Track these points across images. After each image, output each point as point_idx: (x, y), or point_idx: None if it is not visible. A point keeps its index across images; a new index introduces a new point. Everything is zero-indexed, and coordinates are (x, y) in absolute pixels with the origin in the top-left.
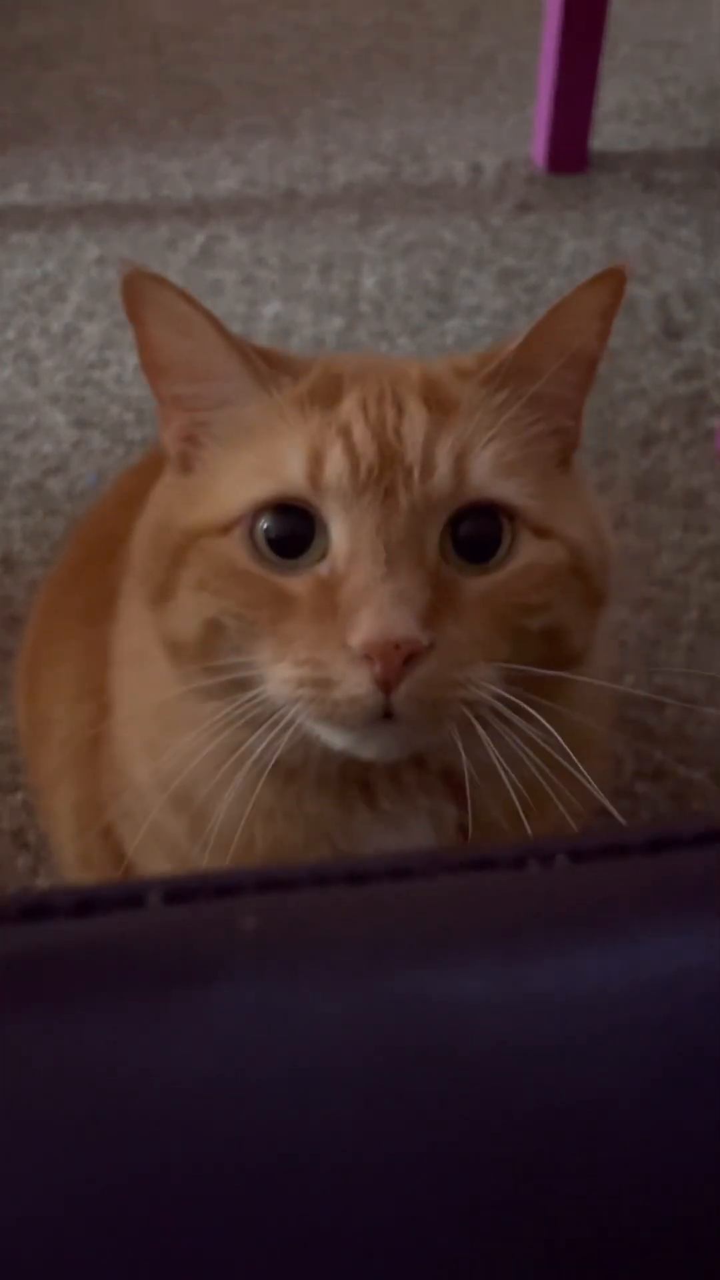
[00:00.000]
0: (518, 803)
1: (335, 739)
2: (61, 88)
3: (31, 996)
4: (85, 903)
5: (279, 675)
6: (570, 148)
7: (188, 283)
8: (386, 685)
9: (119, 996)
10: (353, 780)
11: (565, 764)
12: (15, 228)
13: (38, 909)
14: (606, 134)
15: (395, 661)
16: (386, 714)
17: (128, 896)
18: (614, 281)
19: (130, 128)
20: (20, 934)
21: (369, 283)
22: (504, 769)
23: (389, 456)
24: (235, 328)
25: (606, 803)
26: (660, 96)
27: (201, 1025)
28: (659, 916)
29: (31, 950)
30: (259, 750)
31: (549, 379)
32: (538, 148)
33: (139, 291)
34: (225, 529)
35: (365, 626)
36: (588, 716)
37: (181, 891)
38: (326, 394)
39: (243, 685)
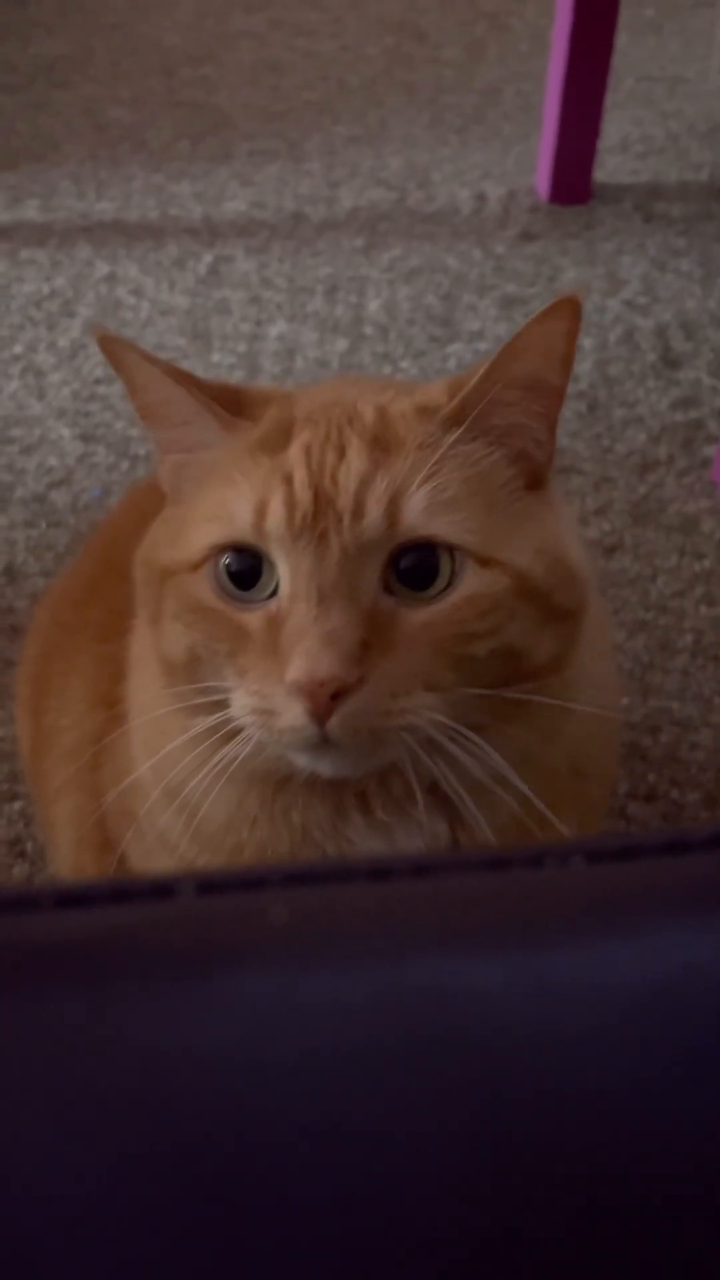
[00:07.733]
0: (526, 817)
1: (294, 758)
2: (73, 108)
3: (68, 978)
4: (120, 892)
5: (237, 701)
6: (573, 179)
7: (195, 301)
8: (318, 718)
9: (153, 978)
10: (347, 788)
11: (519, 785)
12: (25, 244)
13: (74, 898)
14: (609, 166)
15: (322, 698)
16: (326, 740)
17: (161, 887)
18: (565, 312)
19: (140, 148)
20: (56, 920)
21: (373, 306)
22: (495, 786)
23: (324, 502)
24: (241, 347)
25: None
26: (662, 131)
27: (233, 1006)
28: (671, 914)
29: (68, 935)
30: (230, 759)
31: (507, 410)
32: (541, 178)
33: (111, 351)
34: (194, 567)
35: (295, 666)
36: (578, 735)
37: (213, 884)
38: (276, 440)
39: (221, 705)
